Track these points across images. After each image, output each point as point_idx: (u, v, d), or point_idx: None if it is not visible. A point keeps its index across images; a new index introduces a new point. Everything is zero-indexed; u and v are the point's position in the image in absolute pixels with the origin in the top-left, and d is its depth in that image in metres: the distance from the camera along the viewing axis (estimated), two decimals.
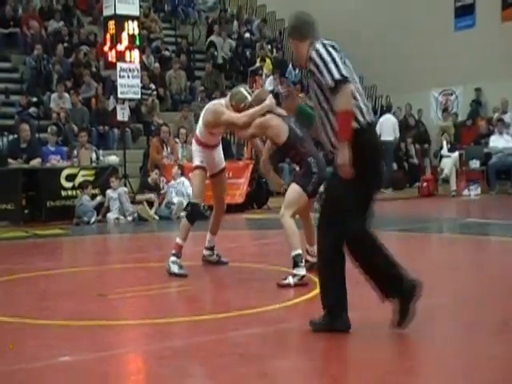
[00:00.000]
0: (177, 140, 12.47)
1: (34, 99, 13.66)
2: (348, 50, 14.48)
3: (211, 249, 6.17)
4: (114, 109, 13.08)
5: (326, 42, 3.65)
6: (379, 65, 17.60)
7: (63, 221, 10.30)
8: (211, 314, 4.24)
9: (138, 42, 12.17)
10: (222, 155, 6.05)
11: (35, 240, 8.73)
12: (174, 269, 5.56)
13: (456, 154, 14.41)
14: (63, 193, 10.79)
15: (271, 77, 16.79)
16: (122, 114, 12.32)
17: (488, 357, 3.25)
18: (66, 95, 13.67)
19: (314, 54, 3.56)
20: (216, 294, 5.26)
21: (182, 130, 12.56)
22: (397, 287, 3.63)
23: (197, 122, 6.25)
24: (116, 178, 10.94)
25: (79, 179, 10.86)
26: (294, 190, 5.26)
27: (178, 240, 5.72)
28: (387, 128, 14.60)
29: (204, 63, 18.24)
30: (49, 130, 12.21)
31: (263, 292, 5.04)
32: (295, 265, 5.05)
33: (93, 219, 10.38)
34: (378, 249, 3.66)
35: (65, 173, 10.87)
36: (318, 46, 3.60)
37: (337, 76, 3.47)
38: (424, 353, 3.43)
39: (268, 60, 17.53)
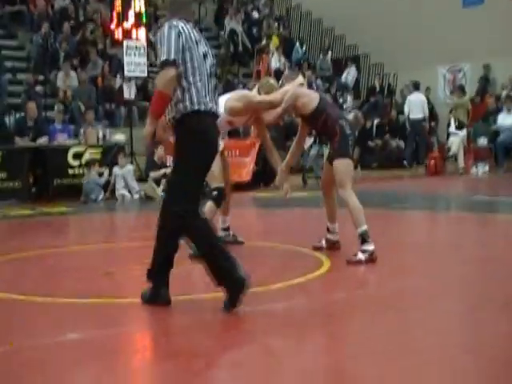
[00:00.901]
0: None
1: (41, 77, 13.61)
2: (355, 27, 14.37)
3: (227, 229, 6.12)
4: (121, 87, 13.03)
5: (176, 23, 3.66)
6: (386, 42, 17.43)
7: (70, 199, 10.32)
8: (217, 291, 4.23)
9: (144, 20, 12.08)
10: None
11: (42, 218, 8.75)
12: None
13: (464, 131, 14.31)
14: (70, 171, 10.81)
15: (275, 54, 16.69)
16: (129, 92, 12.28)
17: (491, 334, 3.24)
18: (73, 73, 13.62)
19: (159, 31, 3.71)
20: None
21: None
22: (225, 280, 3.70)
23: None
24: (123, 156, 10.94)
25: (86, 157, 10.87)
26: (339, 165, 5.13)
27: None
28: (416, 106, 14.52)
29: (211, 41, 18.12)
30: (55, 108, 12.19)
31: (271, 270, 5.04)
32: (363, 241, 4.93)
33: (100, 197, 10.40)
34: (207, 237, 3.71)
35: (72, 151, 10.87)
36: (167, 24, 3.69)
37: (164, 57, 3.57)
38: (426, 330, 3.42)
39: (275, 38, 17.40)
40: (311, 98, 5.28)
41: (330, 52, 18.35)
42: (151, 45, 14.63)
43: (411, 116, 14.59)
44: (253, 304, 3.95)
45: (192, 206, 3.68)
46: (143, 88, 14.34)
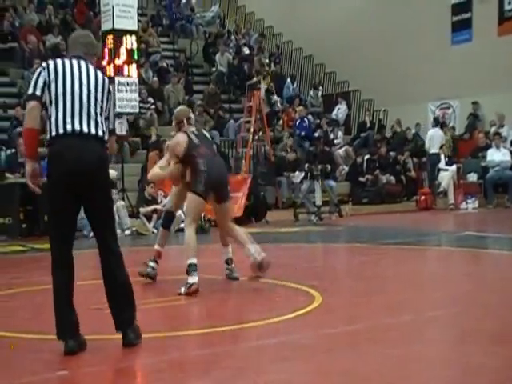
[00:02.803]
0: None
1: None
2: (346, 64, 14.61)
3: (226, 262, 6.21)
4: None
5: (45, 62, 3.88)
6: (376, 79, 17.70)
7: None
8: (206, 328, 4.24)
9: (136, 57, 12.23)
10: None
11: (33, 254, 8.72)
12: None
13: (454, 167, 14.46)
14: None
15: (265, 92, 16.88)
16: (120, 128, 12.34)
17: (478, 366, 3.26)
18: None
19: None
20: (211, 308, 5.25)
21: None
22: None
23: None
24: (115, 192, 10.96)
25: None
26: (188, 197, 5.70)
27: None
28: (436, 141, 14.68)
29: (202, 77, 18.36)
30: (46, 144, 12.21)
31: (261, 305, 5.06)
32: (188, 273, 5.38)
33: (92, 233, 10.36)
34: (56, 284, 3.72)
35: None
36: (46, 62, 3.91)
37: (26, 94, 3.90)
38: (415, 363, 3.43)
39: (266, 75, 17.63)
40: (179, 145, 5.78)
41: (320, 88, 18.60)
42: (143, 81, 14.80)
43: (432, 150, 14.76)
44: (243, 340, 3.96)
45: (53, 242, 3.73)
46: (135, 124, 14.45)
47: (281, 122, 16.69)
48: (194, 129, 5.94)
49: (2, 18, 15.65)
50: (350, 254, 8.54)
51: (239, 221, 11.72)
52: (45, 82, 3.77)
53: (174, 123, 6.04)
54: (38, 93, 3.75)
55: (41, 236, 10.23)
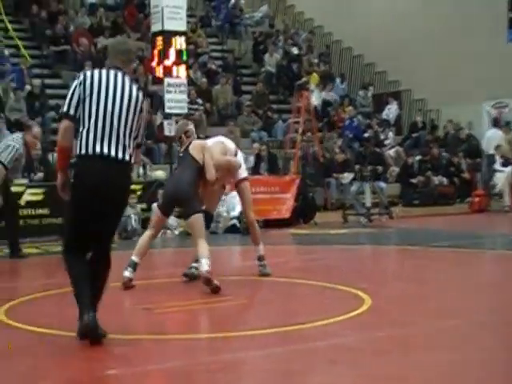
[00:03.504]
0: None
1: None
2: (397, 63, 14.39)
3: (259, 258, 6.40)
4: (161, 124, 13.27)
5: (83, 73, 3.98)
6: (428, 78, 17.43)
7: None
8: (254, 329, 4.25)
9: (185, 58, 12.35)
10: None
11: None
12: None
13: (510, 168, 14.14)
14: None
15: (316, 91, 16.84)
16: (169, 129, 12.48)
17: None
18: None
19: None
20: (260, 309, 5.28)
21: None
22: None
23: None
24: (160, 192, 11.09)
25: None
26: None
27: None
28: (494, 142, 14.45)
29: (250, 78, 18.41)
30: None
31: (307, 307, 5.07)
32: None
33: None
34: (72, 270, 3.91)
35: None
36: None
37: (62, 110, 3.96)
38: (466, 369, 3.37)
39: (315, 74, 17.59)
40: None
41: (370, 88, 18.44)
42: (192, 82, 14.94)
43: (490, 151, 14.51)
44: (290, 342, 3.97)
45: (67, 241, 3.98)
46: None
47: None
48: (184, 146, 6.04)
49: (55, 22, 16.01)
50: (401, 256, 8.45)
51: (288, 222, 11.77)
52: (79, 99, 3.87)
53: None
54: (72, 112, 3.87)
55: None
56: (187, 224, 5.81)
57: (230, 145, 6.41)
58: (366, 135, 15.30)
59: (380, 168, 12.93)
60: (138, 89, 3.98)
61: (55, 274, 7.14)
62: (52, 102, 14.63)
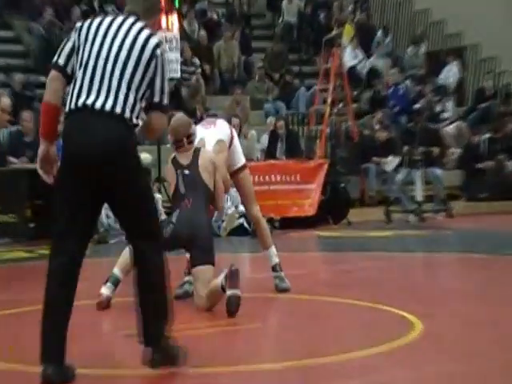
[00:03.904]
0: None
1: (42, 78, 13.99)
2: (459, 11, 14.24)
3: (273, 269, 6.44)
4: None
5: (89, 20, 4.03)
6: (501, 30, 17.33)
7: None
8: (269, 363, 4.29)
9: (177, 4, 12.36)
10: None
11: (43, 263, 8.92)
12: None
13: None
14: None
15: (349, 47, 16.79)
16: None
17: None
18: None
19: None
20: (276, 336, 5.31)
21: (235, 120, 12.55)
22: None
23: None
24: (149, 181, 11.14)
25: None
26: None
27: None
28: None
29: (263, 31, 18.40)
30: (62, 118, 12.46)
31: (337, 334, 5.11)
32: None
33: (117, 238, 10.53)
34: (46, 302, 3.90)
35: None
36: None
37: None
38: None
39: (349, 25, 17.53)
40: (168, 178, 6.35)
41: (423, 43, 18.37)
42: (186, 37, 14.92)
43: None
44: (315, 379, 3.99)
45: (53, 241, 3.96)
46: (176, 93, 14.61)
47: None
48: (187, 156, 6.06)
49: None
50: (462, 267, 8.45)
51: (312, 222, 11.79)
52: (73, 48, 3.94)
53: (169, 139, 6.25)
54: (62, 61, 3.93)
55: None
56: (195, 272, 5.78)
57: (225, 133, 6.40)
58: (416, 106, 15.27)
59: (435, 150, 12.92)
60: (150, 37, 3.98)
61: (8, 288, 7.20)
62: (0, 60, 14.53)
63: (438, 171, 12.97)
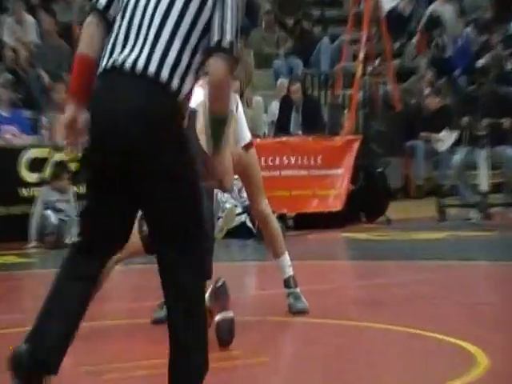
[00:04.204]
0: None
1: None
2: None
3: (288, 279, 6.45)
4: None
5: None
6: None
7: (23, 241, 10.61)
8: None
9: None
10: None
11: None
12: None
13: None
14: (23, 192, 11.03)
15: None
16: None
17: None
18: (30, 19, 14.01)
19: None
20: (290, 373, 5.31)
21: (234, 83, 12.64)
22: None
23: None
24: None
25: (53, 168, 11.07)
26: None
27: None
28: None
29: None
30: None
31: (373, 370, 5.09)
32: None
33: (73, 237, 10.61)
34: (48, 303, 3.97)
35: (27, 156, 11.11)
36: None
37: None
38: None
39: None
40: None
41: None
42: None
43: None
44: None
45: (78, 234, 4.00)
46: None
47: (414, 40, 16.58)
48: None
49: None
50: None
51: (339, 219, 11.78)
52: None
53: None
54: (101, 5, 3.91)
55: None
56: None
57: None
58: (480, 63, 15.21)
59: (506, 122, 12.86)
60: None
61: None
62: None
63: (510, 151, 12.91)
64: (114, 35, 3.82)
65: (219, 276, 5.50)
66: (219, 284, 5.38)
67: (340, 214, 11.94)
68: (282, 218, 11.19)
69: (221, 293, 5.36)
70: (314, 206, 12.02)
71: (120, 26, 3.82)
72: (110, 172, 3.73)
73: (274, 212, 10.55)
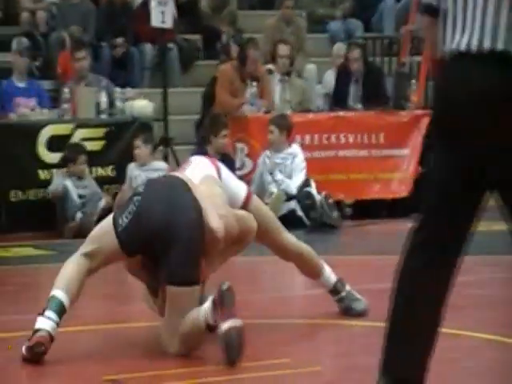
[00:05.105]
0: (271, 68, 12.51)
1: None
2: None
3: (334, 287, 6.48)
4: (145, 4, 13.24)
5: None
6: None
7: (41, 230, 10.64)
8: None
9: None
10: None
11: (21, 268, 9.09)
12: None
13: None
14: (42, 174, 11.07)
15: None
16: (162, 16, 12.44)
17: None
18: None
19: None
20: None
21: (282, 48, 12.58)
22: None
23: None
24: (146, 141, 11.09)
25: (68, 150, 11.05)
26: None
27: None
28: None
29: None
30: (14, 45, 12.49)
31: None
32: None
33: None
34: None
35: (46, 133, 11.14)
36: None
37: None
38: None
39: None
40: None
41: None
42: None
43: None
44: None
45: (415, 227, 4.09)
46: (189, 7, 14.57)
47: None
48: None
49: None
50: None
51: (404, 207, 11.70)
52: None
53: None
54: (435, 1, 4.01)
55: (6, 232, 10.59)
56: (168, 293, 5.69)
57: (207, 166, 6.31)
58: None
59: None
60: None
61: None
62: None
63: None
64: (450, 21, 3.92)
65: (223, 281, 5.40)
66: (224, 288, 5.28)
67: (406, 201, 11.87)
68: (339, 204, 11.15)
69: (224, 298, 5.27)
70: (375, 192, 11.97)
71: (455, 9, 3.90)
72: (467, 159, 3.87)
73: (328, 196, 10.57)
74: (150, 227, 5.54)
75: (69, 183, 10.71)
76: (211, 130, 11.21)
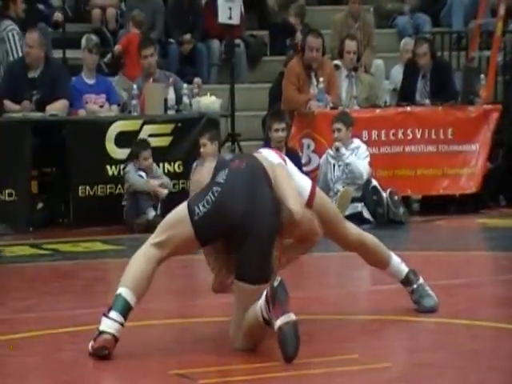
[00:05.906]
0: (338, 63, 12.49)
1: None
2: None
3: (406, 277, 6.42)
4: (213, 1, 13.26)
5: None
6: None
7: (109, 225, 10.74)
8: None
9: None
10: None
11: (57, 264, 9.08)
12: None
13: None
14: (110, 170, 11.15)
15: None
16: (229, 12, 12.47)
17: None
18: None
19: None
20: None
21: (349, 43, 12.54)
22: None
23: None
24: (212, 139, 11.12)
25: (132, 147, 11.12)
26: None
27: None
28: None
29: None
30: (83, 42, 12.58)
31: None
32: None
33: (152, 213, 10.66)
34: None
35: (114, 129, 11.22)
36: None
37: None
38: None
39: None
40: None
41: None
42: None
43: None
44: None
45: None
46: (257, 2, 14.57)
47: None
48: None
49: None
50: None
51: (472, 201, 11.64)
52: None
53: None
54: None
55: (72, 227, 10.63)
56: (237, 288, 5.70)
57: (276, 157, 6.27)
58: None
59: None
60: None
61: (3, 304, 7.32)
62: None
63: None
64: None
65: (276, 278, 5.38)
66: (275, 284, 5.26)
67: (475, 197, 11.80)
68: (406, 200, 11.10)
69: (276, 294, 5.24)
70: (443, 188, 11.89)
71: None
72: None
73: (393, 193, 10.51)
74: (230, 218, 5.55)
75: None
76: (267, 125, 11.27)
